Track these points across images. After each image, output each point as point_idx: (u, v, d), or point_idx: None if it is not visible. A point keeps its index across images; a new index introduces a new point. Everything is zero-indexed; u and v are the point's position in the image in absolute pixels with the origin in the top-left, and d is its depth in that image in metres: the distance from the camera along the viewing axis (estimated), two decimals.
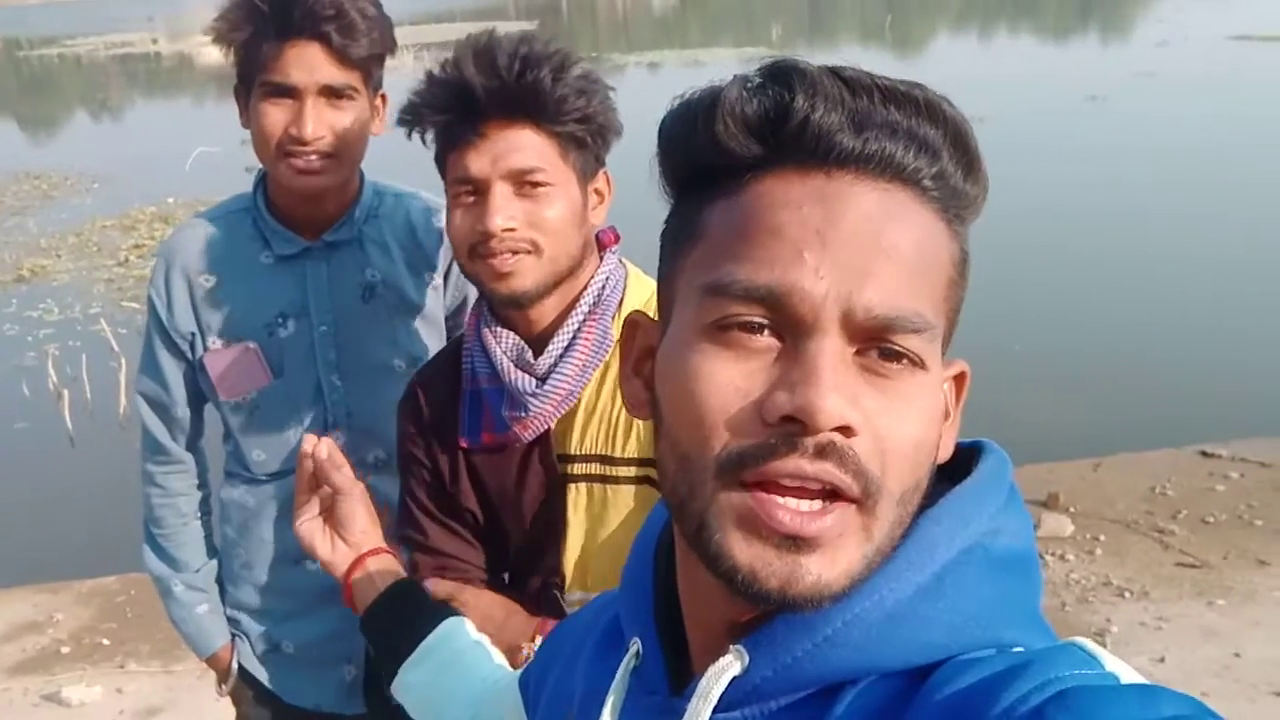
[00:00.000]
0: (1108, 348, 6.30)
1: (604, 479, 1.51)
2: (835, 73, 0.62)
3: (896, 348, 0.61)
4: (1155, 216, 8.67)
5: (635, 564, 0.78)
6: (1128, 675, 0.57)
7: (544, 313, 1.48)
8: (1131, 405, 5.71)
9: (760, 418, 0.60)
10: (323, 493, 1.27)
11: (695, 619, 0.71)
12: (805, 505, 0.60)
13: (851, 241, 0.60)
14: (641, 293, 1.54)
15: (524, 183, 1.41)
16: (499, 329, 1.50)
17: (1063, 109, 12.97)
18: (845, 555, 0.60)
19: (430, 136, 1.47)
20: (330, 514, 1.27)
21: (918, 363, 0.62)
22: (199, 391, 1.89)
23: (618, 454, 1.49)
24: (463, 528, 1.62)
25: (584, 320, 1.48)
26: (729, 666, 0.64)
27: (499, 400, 1.51)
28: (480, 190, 1.42)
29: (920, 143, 0.62)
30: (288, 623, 1.93)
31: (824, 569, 0.60)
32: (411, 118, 1.46)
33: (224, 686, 2.00)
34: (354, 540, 1.26)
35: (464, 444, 1.56)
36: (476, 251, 1.43)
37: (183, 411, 1.89)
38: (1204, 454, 5.07)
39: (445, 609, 1.27)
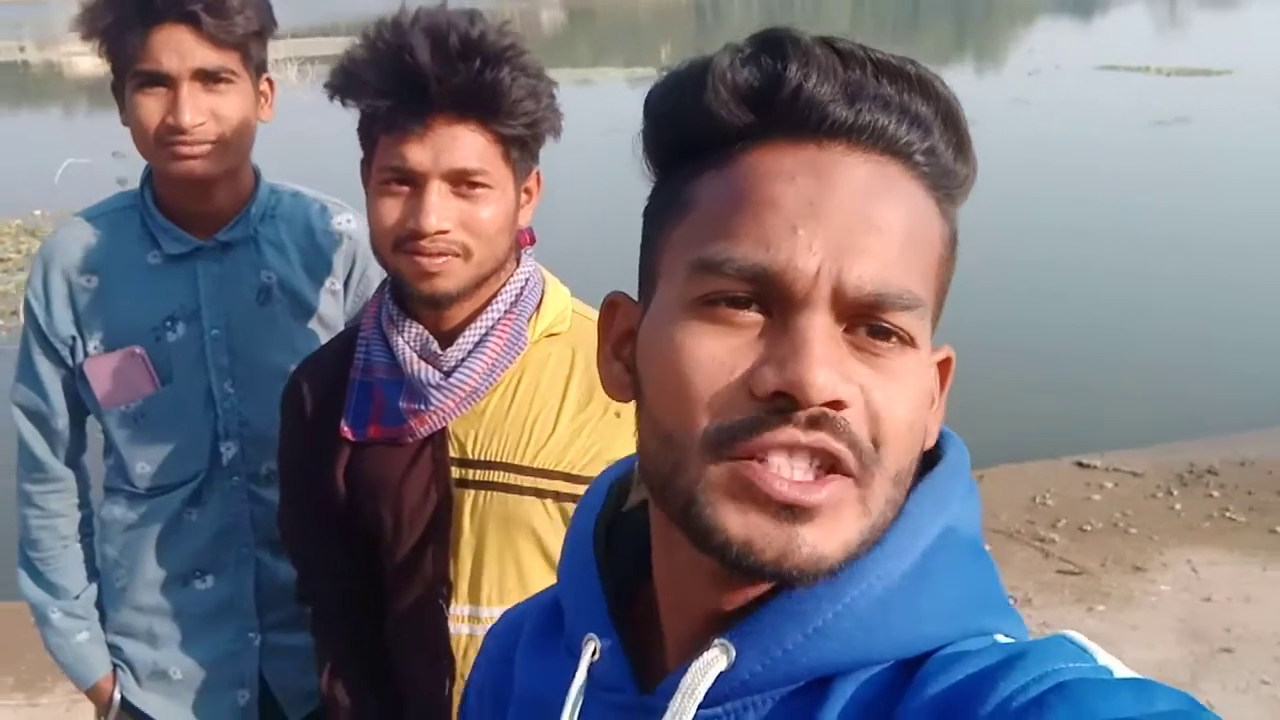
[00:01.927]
0: (985, 362, 6.48)
1: (506, 488, 1.45)
2: (828, 43, 0.61)
3: (886, 324, 0.60)
4: (1028, 233, 8.98)
5: (575, 559, 0.74)
6: (1120, 669, 0.57)
7: (458, 309, 1.44)
8: (1010, 418, 5.88)
9: (748, 393, 0.59)
10: None
11: (673, 607, 0.68)
12: (800, 472, 0.58)
13: (844, 215, 0.59)
14: (558, 301, 1.51)
15: (463, 182, 1.36)
16: (404, 319, 1.45)
17: None
18: (842, 528, 0.59)
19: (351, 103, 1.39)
20: None
21: (907, 340, 0.61)
22: (80, 402, 1.78)
23: (525, 463, 1.45)
24: (329, 526, 1.55)
25: (499, 319, 1.44)
26: (715, 661, 0.62)
27: (395, 392, 1.45)
28: (415, 183, 1.36)
29: (913, 117, 0.61)
30: (175, 646, 1.82)
31: (820, 540, 0.58)
32: (343, 87, 1.38)
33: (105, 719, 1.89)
34: None
35: (348, 434, 1.49)
36: (403, 246, 1.37)
37: (62, 423, 1.79)
38: (1080, 464, 5.26)
39: None
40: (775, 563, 0.58)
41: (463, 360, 1.43)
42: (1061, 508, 4.85)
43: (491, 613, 1.49)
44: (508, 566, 1.48)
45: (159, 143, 1.61)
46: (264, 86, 1.71)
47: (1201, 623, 3.90)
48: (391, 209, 1.37)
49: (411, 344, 1.44)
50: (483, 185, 1.37)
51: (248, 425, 1.75)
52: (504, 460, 1.46)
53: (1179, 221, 9.32)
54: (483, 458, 1.46)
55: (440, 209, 1.35)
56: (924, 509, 0.63)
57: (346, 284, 1.82)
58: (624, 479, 0.77)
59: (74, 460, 1.84)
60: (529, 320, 1.47)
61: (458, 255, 1.37)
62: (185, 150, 1.60)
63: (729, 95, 0.61)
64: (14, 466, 1.84)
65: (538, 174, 1.48)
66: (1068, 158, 11.67)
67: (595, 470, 1.45)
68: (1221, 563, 4.31)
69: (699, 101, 0.62)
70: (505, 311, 1.45)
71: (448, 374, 1.43)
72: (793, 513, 0.58)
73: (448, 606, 1.50)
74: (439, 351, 1.43)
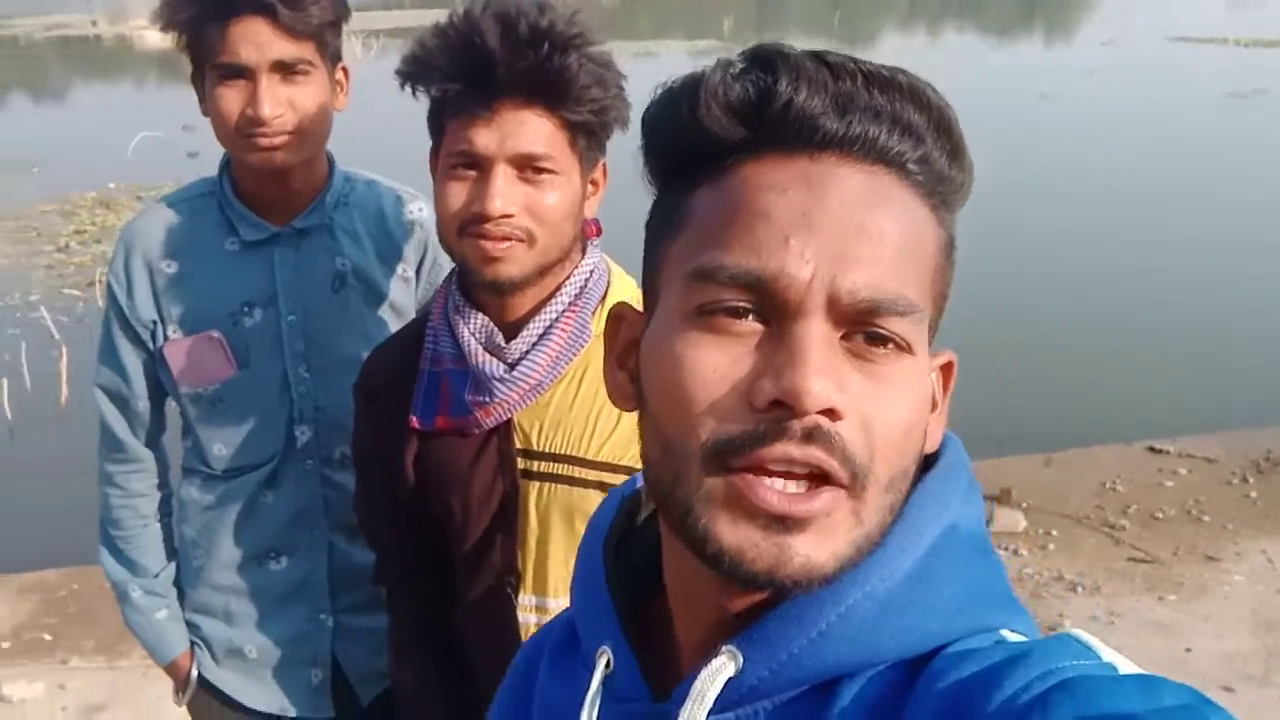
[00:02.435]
0: (1058, 344, 6.38)
1: (570, 480, 1.45)
2: (818, 57, 0.62)
3: (883, 331, 0.61)
4: (1106, 216, 8.79)
5: (586, 572, 0.76)
6: (1125, 666, 0.57)
7: (522, 299, 1.43)
8: (1081, 402, 5.79)
9: (748, 404, 0.60)
10: None
11: (684, 615, 0.69)
12: (793, 487, 0.59)
13: (837, 224, 0.60)
14: (625, 291, 1.50)
15: (528, 167, 1.35)
16: (469, 310, 1.45)
17: (1015, 105, 13.11)
18: (834, 538, 0.60)
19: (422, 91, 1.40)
20: None
21: (904, 347, 0.61)
22: (159, 384, 1.81)
23: (589, 456, 1.44)
24: (404, 512, 1.57)
25: (563, 311, 1.44)
26: (723, 667, 0.63)
27: (462, 383, 1.45)
28: (481, 167, 1.36)
29: (904, 126, 0.62)
30: (250, 625, 1.86)
31: (812, 550, 0.59)
32: (414, 74, 1.38)
33: (182, 696, 1.93)
34: None
35: (416, 424, 1.50)
36: (467, 230, 1.37)
37: (143, 405, 1.82)
38: (1152, 450, 5.15)
39: None
40: (768, 573, 0.59)
41: (526, 353, 1.42)
42: (1133, 494, 4.76)
43: (558, 603, 1.49)
44: (571, 558, 1.48)
45: (239, 133, 1.63)
46: (339, 75, 1.72)
47: (1276, 614, 3.81)
48: (458, 193, 1.37)
49: (476, 335, 1.44)
50: (548, 171, 1.36)
51: (322, 410, 1.77)
52: (568, 453, 1.45)
53: (1259, 197, 9.07)
54: (547, 450, 1.46)
55: (506, 193, 1.34)
56: (925, 510, 0.64)
57: (419, 271, 1.83)
58: (634, 496, 0.78)
59: (154, 441, 1.88)
60: (594, 312, 1.46)
61: (521, 240, 1.37)
62: (264, 141, 1.62)
63: (721, 110, 0.63)
64: (93, 431, 1.88)
65: (604, 166, 1.46)
66: (1141, 131, 11.40)
67: None
68: None
69: (693, 117, 0.63)
70: (570, 304, 1.44)
71: (512, 366, 1.43)
72: (784, 524, 0.59)
73: (516, 596, 1.51)
74: (503, 344, 1.43)
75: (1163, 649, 3.62)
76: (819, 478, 0.59)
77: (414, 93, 1.40)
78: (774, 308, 0.60)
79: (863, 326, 0.60)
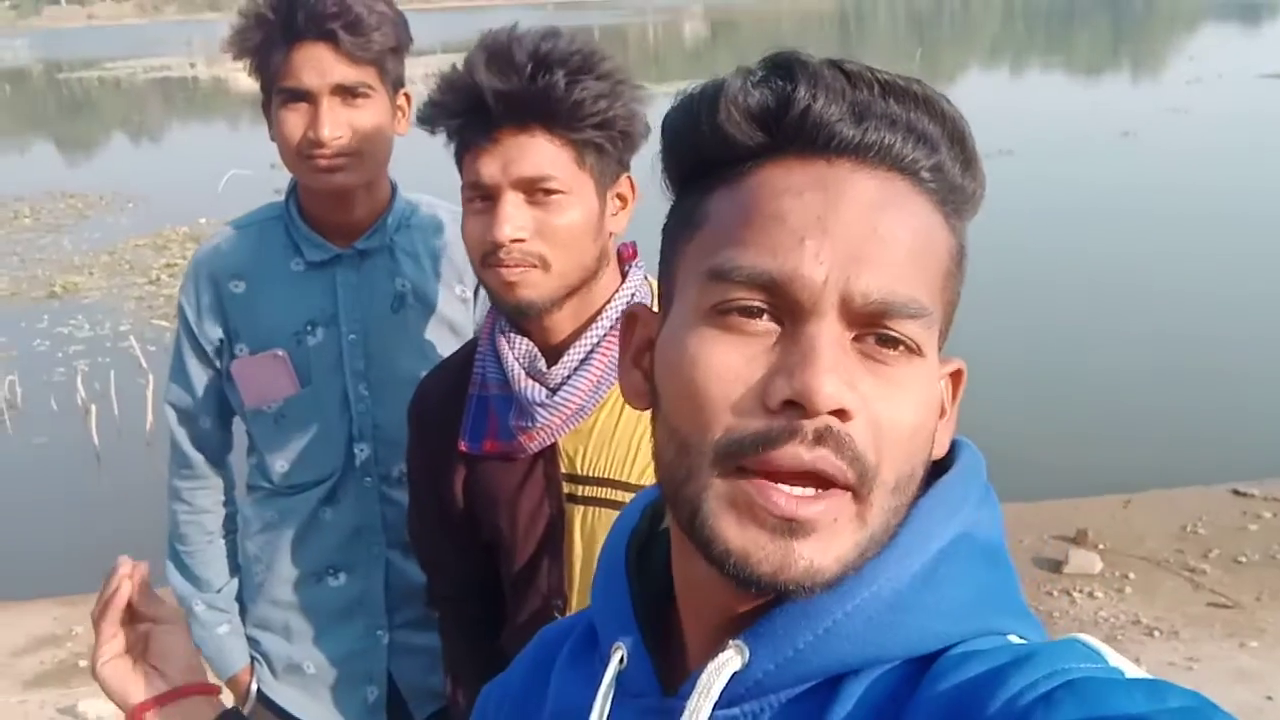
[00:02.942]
0: (1139, 384, 6.22)
1: (614, 504, 1.46)
2: (836, 65, 0.63)
3: (893, 333, 0.61)
4: (1188, 253, 8.60)
5: (606, 572, 0.77)
6: (1132, 670, 0.57)
7: (560, 323, 1.45)
8: (1162, 442, 5.63)
9: (761, 404, 0.60)
10: (140, 628, 1.00)
11: (692, 614, 0.70)
12: (800, 490, 0.60)
13: (851, 227, 0.61)
14: None
15: (535, 190, 1.38)
16: (514, 335, 1.47)
17: (1095, 143, 12.91)
18: (839, 541, 0.61)
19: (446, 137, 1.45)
20: (144, 648, 1.00)
21: (914, 349, 0.62)
22: (226, 402, 1.87)
23: (632, 480, 1.45)
24: (455, 535, 1.60)
25: (604, 336, 1.45)
26: (729, 661, 0.63)
27: (507, 408, 1.48)
28: (492, 196, 1.39)
29: (919, 135, 0.63)
30: (308, 641, 1.88)
31: (816, 554, 0.60)
32: (426, 118, 1.44)
33: (242, 709, 1.97)
34: (173, 676, 0.98)
35: (464, 448, 1.52)
36: (487, 260, 1.40)
37: (210, 422, 1.88)
38: (1236, 493, 5.00)
39: None
40: (772, 575, 0.60)
41: (568, 378, 1.44)
42: (1214, 537, 4.62)
43: None
44: None
45: (300, 155, 1.68)
46: (401, 101, 1.76)
47: None
48: (475, 225, 1.41)
49: (520, 360, 1.46)
50: (557, 192, 1.38)
51: (380, 428, 1.80)
52: (611, 477, 1.46)
53: None
54: (591, 474, 1.47)
55: (514, 218, 1.37)
56: (935, 513, 0.64)
57: (476, 292, 1.86)
58: (658, 502, 0.79)
59: (220, 459, 1.93)
60: None
61: (535, 266, 1.38)
62: (324, 163, 1.67)
63: (741, 116, 0.64)
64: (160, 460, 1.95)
65: (630, 180, 1.47)
66: (1228, 170, 11.13)
67: None
68: None
69: (712, 122, 0.65)
70: (611, 328, 1.45)
71: (554, 391, 1.44)
72: (790, 527, 0.60)
73: (563, 616, 1.52)
74: (545, 369, 1.45)
75: (1243, 697, 3.49)
76: (825, 482, 0.60)
77: (433, 134, 1.45)
78: (788, 308, 0.61)
79: (874, 328, 0.61)
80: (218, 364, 1.83)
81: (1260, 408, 5.96)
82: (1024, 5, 41.24)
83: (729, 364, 0.62)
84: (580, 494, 1.48)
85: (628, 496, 1.45)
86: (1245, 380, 6.31)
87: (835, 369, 0.59)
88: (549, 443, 1.47)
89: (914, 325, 0.62)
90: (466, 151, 1.41)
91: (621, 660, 0.71)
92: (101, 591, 0.99)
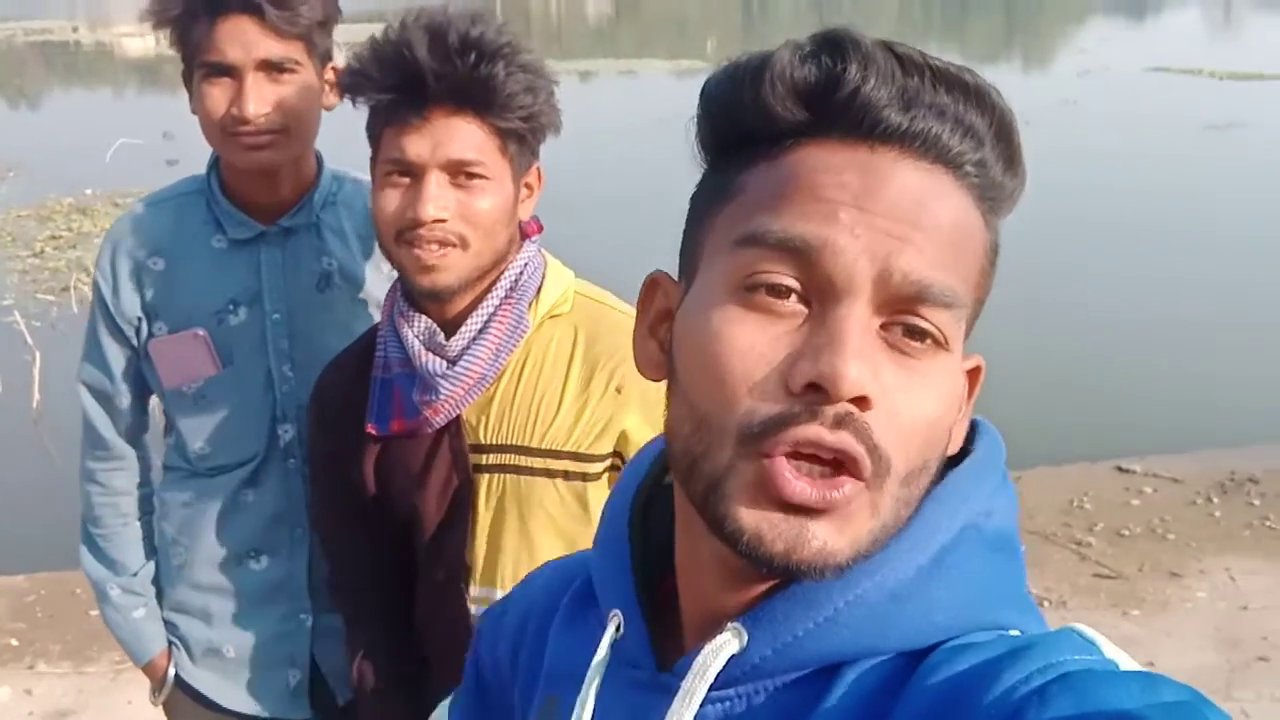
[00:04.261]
0: (1027, 362, 6.44)
1: (517, 470, 1.49)
2: (888, 48, 0.62)
3: (924, 324, 0.60)
4: (1077, 236, 8.90)
5: (609, 532, 0.76)
6: (1126, 662, 0.58)
7: (460, 299, 1.47)
8: (1049, 422, 5.84)
9: (783, 385, 0.59)
10: None
11: (691, 590, 0.69)
12: (818, 471, 0.59)
13: (891, 210, 0.60)
14: (559, 283, 1.54)
15: (460, 173, 1.40)
16: (412, 312, 1.49)
17: None
18: (852, 526, 0.60)
19: (362, 102, 1.45)
20: None
21: (941, 342, 0.61)
22: (143, 381, 1.83)
23: (534, 445, 1.49)
24: (360, 520, 1.61)
25: (499, 305, 1.48)
26: (727, 644, 0.63)
27: (411, 386, 1.50)
28: (415, 174, 1.40)
29: (966, 128, 0.62)
30: (229, 625, 1.86)
31: (830, 536, 0.59)
32: (351, 85, 1.44)
33: (158, 695, 1.93)
34: None
35: (372, 430, 1.54)
36: (403, 237, 1.41)
37: (126, 402, 1.83)
38: (1120, 469, 5.22)
39: None
40: (784, 555, 0.59)
41: (466, 348, 1.47)
42: (1100, 512, 4.82)
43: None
44: (522, 548, 1.52)
45: (224, 132, 1.65)
46: (329, 75, 1.73)
47: (1238, 630, 3.88)
48: (392, 199, 1.42)
49: (420, 337, 1.48)
50: (480, 176, 1.41)
51: (305, 409, 1.77)
52: (513, 443, 1.49)
53: (1226, 227, 9.21)
54: (494, 442, 1.50)
55: (438, 198, 1.39)
56: (944, 505, 0.63)
57: None
58: (664, 454, 0.76)
59: (136, 439, 1.89)
60: (530, 304, 1.50)
61: (455, 245, 1.41)
62: (250, 140, 1.64)
63: (786, 92, 0.62)
64: (65, 437, 1.89)
65: (538, 169, 1.52)
66: (1115, 161, 11.54)
67: (602, 447, 1.49)
68: (1260, 572, 4.28)
69: (756, 95, 0.63)
70: (505, 297, 1.48)
71: (453, 362, 1.47)
72: (805, 510, 0.59)
73: (468, 589, 1.54)
74: (444, 342, 1.47)
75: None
76: (842, 466, 0.59)
77: (354, 103, 1.46)
78: (817, 287, 0.60)
79: (905, 315, 0.60)
80: (135, 343, 1.79)
81: (1143, 388, 6.22)
82: None
83: (753, 343, 0.60)
84: (485, 462, 1.51)
85: (530, 461, 1.49)
86: (1128, 362, 6.59)
87: (860, 354, 0.58)
88: (453, 414, 1.50)
89: (946, 315, 0.61)
90: (390, 125, 1.41)
91: (618, 629, 0.71)
92: None
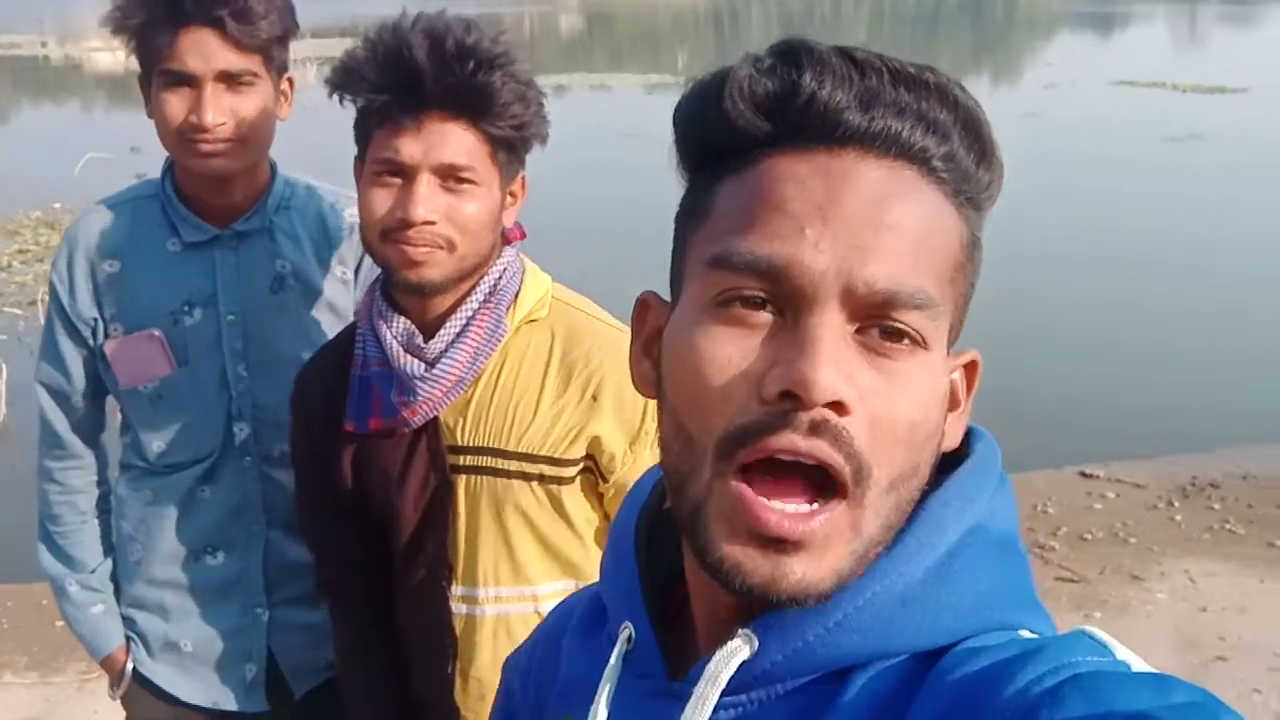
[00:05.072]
0: (991, 369, 6.50)
1: (494, 472, 1.51)
2: (845, 53, 0.62)
3: (898, 325, 0.60)
4: (1038, 245, 9.00)
5: (615, 552, 0.77)
6: (1138, 664, 0.58)
7: (441, 301, 1.50)
8: (1014, 427, 5.90)
9: (758, 395, 0.60)
10: None
11: (701, 600, 0.70)
12: (792, 507, 0.60)
13: (854, 217, 0.60)
14: (537, 288, 1.57)
15: (451, 177, 1.42)
16: (391, 313, 1.51)
17: None
18: (831, 555, 0.60)
19: (349, 99, 1.46)
20: None
21: (919, 342, 0.61)
22: (99, 381, 1.85)
23: (510, 448, 1.50)
24: (343, 517, 1.62)
25: (478, 309, 1.50)
26: (738, 650, 0.63)
27: (388, 385, 1.52)
28: (405, 176, 1.42)
29: (929, 123, 0.62)
30: (186, 620, 1.88)
31: (808, 569, 0.59)
32: (343, 83, 1.45)
33: (116, 690, 1.94)
34: None
35: (350, 428, 1.56)
36: (390, 235, 1.43)
37: (83, 402, 1.85)
38: (1083, 474, 5.29)
39: None
40: (763, 587, 0.59)
41: (445, 351, 1.49)
42: (1062, 516, 4.89)
43: (488, 593, 1.55)
44: (500, 548, 1.54)
45: (181, 139, 1.68)
46: (285, 86, 1.77)
47: (1196, 632, 3.94)
48: (382, 199, 1.43)
49: (398, 338, 1.50)
50: (470, 182, 1.43)
51: (260, 407, 1.80)
52: (490, 445, 1.51)
53: (1187, 237, 9.34)
54: (470, 443, 1.52)
55: (428, 201, 1.41)
56: (948, 507, 0.64)
57: (357, 272, 1.88)
58: None
59: (93, 438, 1.90)
60: (508, 308, 1.53)
61: (442, 248, 1.43)
62: (207, 148, 1.67)
63: (746, 105, 0.63)
64: (31, 451, 1.91)
65: (523, 178, 1.54)
66: (1078, 173, 11.69)
67: (576, 452, 1.51)
68: (1219, 574, 4.35)
69: (718, 110, 0.64)
70: (484, 301, 1.50)
71: (431, 365, 1.49)
72: (781, 545, 0.59)
73: (449, 588, 1.56)
74: (422, 345, 1.49)
75: None
76: (819, 489, 0.59)
77: (341, 101, 1.47)
78: (788, 298, 0.60)
79: (878, 319, 0.60)
80: (91, 343, 1.81)
81: (1106, 395, 6.30)
82: (891, 9, 42.39)
83: (728, 355, 0.61)
84: (462, 463, 1.53)
85: (505, 463, 1.50)
86: (1091, 369, 6.67)
87: (833, 360, 0.58)
88: (431, 415, 1.52)
89: (920, 316, 0.60)
90: (382, 127, 1.43)
91: (629, 640, 0.72)
92: None
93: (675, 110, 0.69)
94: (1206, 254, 8.83)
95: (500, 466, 1.51)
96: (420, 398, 1.49)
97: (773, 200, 0.61)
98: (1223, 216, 10.01)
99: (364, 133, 1.47)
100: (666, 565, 0.74)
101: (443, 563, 1.56)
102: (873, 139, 0.61)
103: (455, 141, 1.42)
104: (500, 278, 1.52)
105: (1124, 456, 5.44)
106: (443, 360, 1.48)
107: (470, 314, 1.50)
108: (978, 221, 0.66)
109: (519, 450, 1.50)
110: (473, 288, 1.50)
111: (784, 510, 0.59)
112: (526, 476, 1.51)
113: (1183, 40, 30.24)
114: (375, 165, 1.44)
